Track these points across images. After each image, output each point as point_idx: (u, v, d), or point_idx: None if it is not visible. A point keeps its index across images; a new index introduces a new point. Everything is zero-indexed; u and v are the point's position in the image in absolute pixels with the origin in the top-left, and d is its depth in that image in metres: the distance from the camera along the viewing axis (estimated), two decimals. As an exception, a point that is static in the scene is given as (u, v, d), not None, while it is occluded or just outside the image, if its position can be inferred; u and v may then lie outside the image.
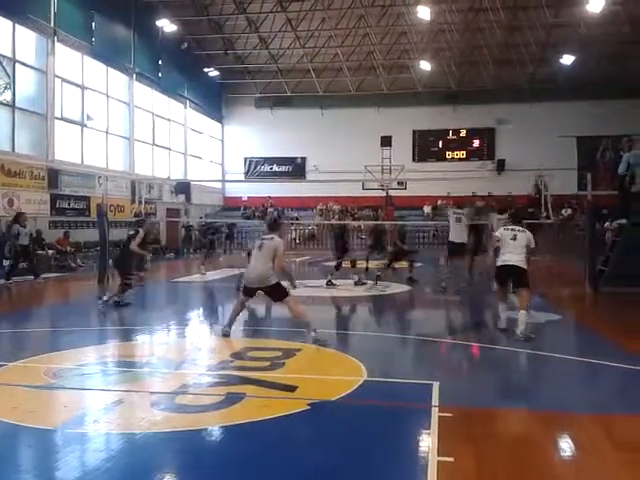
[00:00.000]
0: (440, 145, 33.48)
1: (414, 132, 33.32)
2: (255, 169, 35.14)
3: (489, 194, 25.31)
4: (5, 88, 18.68)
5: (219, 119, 35.49)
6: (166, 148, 29.50)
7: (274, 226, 8.57)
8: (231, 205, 34.54)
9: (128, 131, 25.74)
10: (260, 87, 34.84)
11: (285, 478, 3.86)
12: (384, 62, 32.68)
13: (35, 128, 20.12)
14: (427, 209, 31.40)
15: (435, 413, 4.83)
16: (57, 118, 20.84)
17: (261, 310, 11.75)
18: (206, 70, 32.88)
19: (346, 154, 31.25)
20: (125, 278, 10.71)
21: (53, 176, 20.14)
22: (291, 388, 5.59)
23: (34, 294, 14.17)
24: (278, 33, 31.25)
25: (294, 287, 8.46)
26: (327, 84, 33.95)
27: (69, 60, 21.66)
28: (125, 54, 25.18)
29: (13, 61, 18.89)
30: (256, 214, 30.90)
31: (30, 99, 19.97)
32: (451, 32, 29.63)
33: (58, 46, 20.76)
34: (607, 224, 19.07)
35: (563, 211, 28.44)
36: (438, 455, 4.01)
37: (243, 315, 11.20)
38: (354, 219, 23.39)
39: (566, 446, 4.46)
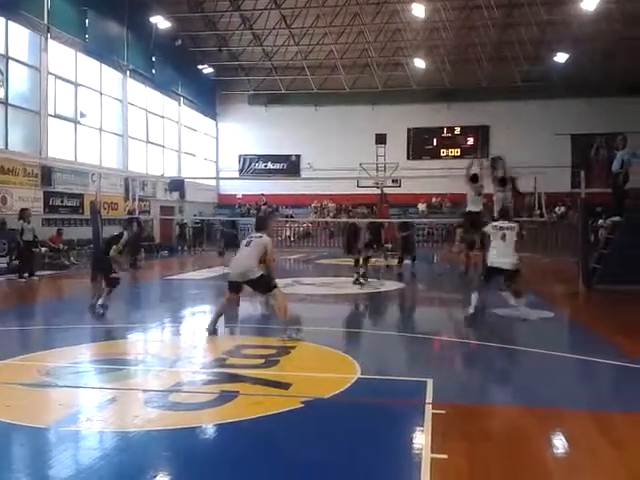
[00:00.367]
0: (434, 143, 33.51)
1: (409, 130, 33.33)
2: (249, 166, 35.10)
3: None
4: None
5: (213, 116, 35.41)
6: (160, 145, 29.41)
7: (262, 224, 8.56)
8: (226, 203, 34.50)
9: (122, 128, 25.66)
10: (254, 84, 34.78)
11: (278, 476, 3.86)
12: (379, 60, 32.68)
13: (28, 125, 20.03)
14: (422, 207, 31.48)
15: (429, 410, 4.83)
16: (50, 115, 20.75)
17: (255, 307, 11.75)
18: (200, 67, 32.81)
19: (341, 152, 31.26)
20: (107, 277, 9.64)
21: (46, 173, 20.05)
22: (285, 386, 5.59)
23: (28, 292, 14.12)
24: (272, 30, 31.19)
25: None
26: (321, 81, 33.93)
27: (62, 57, 21.56)
28: (119, 51, 25.08)
29: (6, 58, 18.78)
30: (251, 212, 30.89)
31: (23, 96, 19.88)
32: (445, 30, 29.64)
33: (51, 43, 20.66)
34: (601, 221, 19.15)
35: (557, 209, 28.53)
36: (431, 452, 4.02)
37: (239, 312, 11.23)
38: (349, 217, 23.38)
39: (559, 443, 4.47)
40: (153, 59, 28.04)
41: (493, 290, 10.21)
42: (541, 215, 14.84)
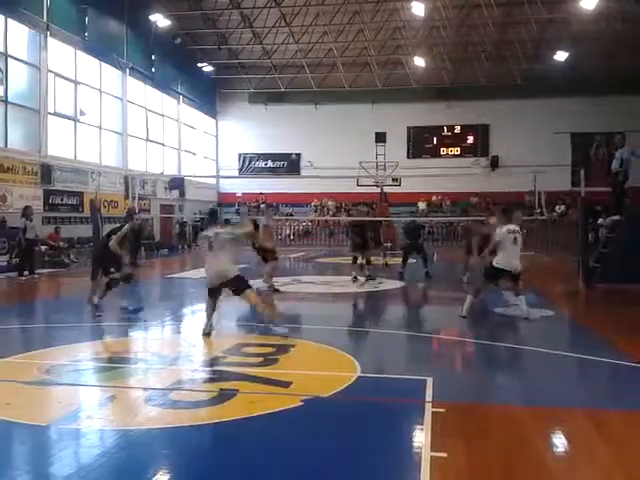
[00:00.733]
0: (434, 141, 33.52)
1: (408, 128, 33.33)
2: (249, 165, 35.09)
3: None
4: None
5: (213, 114, 35.40)
6: (160, 143, 29.40)
7: (214, 221, 8.46)
8: (226, 201, 34.49)
9: (121, 126, 25.65)
10: (254, 82, 34.75)
11: (278, 474, 3.87)
12: (378, 58, 32.67)
13: (28, 123, 20.02)
14: (422, 205, 31.49)
15: (428, 409, 4.84)
16: (50, 113, 20.74)
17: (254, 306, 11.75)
18: (200, 65, 32.80)
19: (340, 150, 31.24)
20: (107, 275, 9.61)
21: (46, 171, 20.04)
22: (285, 384, 5.60)
23: (28, 290, 14.12)
24: (272, 28, 31.18)
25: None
26: (321, 80, 33.91)
27: (62, 55, 21.55)
28: (118, 49, 25.07)
29: (5, 56, 18.78)
30: (250, 211, 30.89)
31: (23, 94, 19.86)
32: (445, 28, 29.64)
33: (51, 41, 20.65)
34: (600, 220, 19.14)
35: (557, 207, 28.56)
36: (431, 451, 4.02)
37: (237, 311, 11.24)
38: (348, 215, 23.41)
39: (559, 441, 4.48)
40: (153, 57, 28.03)
41: (494, 289, 10.22)
42: (541, 214, 14.84)
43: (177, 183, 29.04)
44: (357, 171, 27.12)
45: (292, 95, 34.17)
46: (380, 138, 30.03)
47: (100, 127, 24.08)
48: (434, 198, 32.25)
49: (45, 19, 20.23)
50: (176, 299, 12.87)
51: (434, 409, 4.81)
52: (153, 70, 28.11)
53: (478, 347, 7.73)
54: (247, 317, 10.30)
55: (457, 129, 33.30)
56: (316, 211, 32.92)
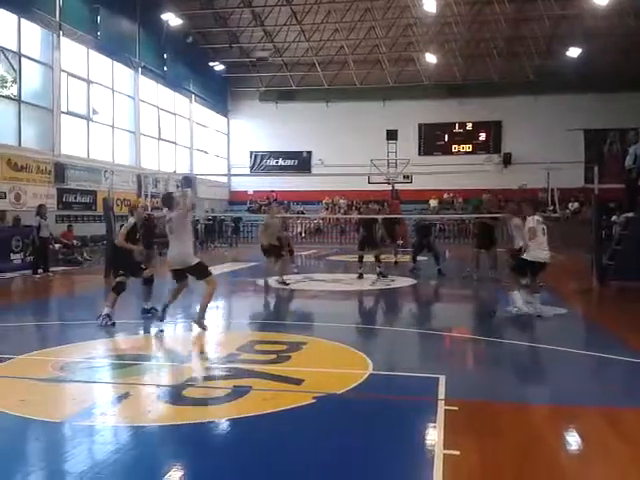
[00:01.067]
0: (446, 139, 33.37)
1: (420, 125, 33.21)
2: (261, 163, 35.13)
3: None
4: (11, 82, 18.73)
5: (224, 113, 35.47)
6: (172, 142, 29.52)
7: (167, 202, 8.39)
8: (237, 199, 34.56)
9: (134, 125, 25.77)
10: (265, 81, 34.78)
11: (291, 471, 3.88)
12: (390, 55, 32.57)
13: (41, 122, 20.17)
14: (433, 203, 31.38)
15: (441, 406, 4.83)
16: (63, 112, 20.88)
17: (267, 303, 11.78)
18: (211, 64, 32.85)
19: (351, 148, 31.22)
20: (116, 276, 9.24)
21: (59, 170, 20.19)
22: (297, 381, 5.61)
23: (42, 287, 14.23)
24: (283, 26, 31.18)
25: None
26: (332, 77, 33.87)
27: (75, 54, 21.69)
28: (130, 48, 25.18)
29: (19, 55, 18.92)
30: (262, 208, 30.91)
31: (36, 93, 20.01)
32: (457, 24, 29.50)
33: (64, 40, 20.78)
34: (614, 217, 19.00)
35: (570, 205, 28.36)
36: (444, 448, 4.02)
37: (250, 308, 11.28)
38: (359, 213, 23.36)
39: (573, 440, 4.46)
40: (165, 56, 28.13)
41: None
42: (554, 211, 14.72)
43: (189, 181, 29.05)
44: (368, 169, 27.10)
45: (303, 93, 34.16)
46: (391, 135, 29.97)
47: (113, 126, 24.21)
48: (445, 195, 32.12)
49: (58, 19, 20.36)
50: (188, 296, 12.90)
51: (447, 407, 4.80)
52: (165, 69, 28.21)
53: (490, 345, 7.70)
54: (259, 314, 10.33)
55: (469, 126, 33.13)
56: (327, 209, 32.91)
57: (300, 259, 22.35)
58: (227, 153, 35.88)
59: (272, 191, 33.12)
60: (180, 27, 28.33)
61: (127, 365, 6.46)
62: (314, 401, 5.03)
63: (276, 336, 7.98)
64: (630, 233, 12.56)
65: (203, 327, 8.11)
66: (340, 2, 29.17)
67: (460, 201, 31.69)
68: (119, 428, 4.58)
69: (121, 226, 9.74)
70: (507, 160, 31.83)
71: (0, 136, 18.20)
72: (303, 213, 31.51)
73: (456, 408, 4.78)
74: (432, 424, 4.52)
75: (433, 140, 33.35)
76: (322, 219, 31.10)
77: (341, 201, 32.81)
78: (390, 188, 27.67)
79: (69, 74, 21.32)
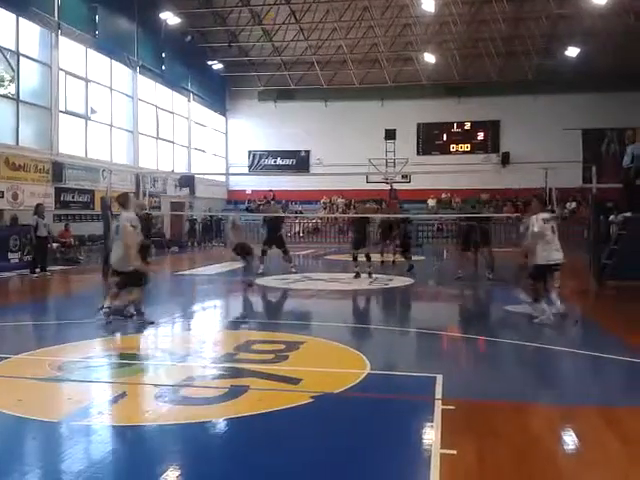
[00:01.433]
0: (444, 138, 33.35)
1: (418, 125, 33.19)
2: (259, 162, 35.11)
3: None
4: (9, 81, 18.70)
5: (223, 112, 35.44)
6: (170, 141, 29.49)
7: (123, 201, 8.21)
8: (235, 198, 34.55)
9: (132, 124, 25.74)
10: (264, 80, 34.76)
11: (288, 471, 3.88)
12: (388, 54, 32.56)
13: (39, 121, 20.14)
14: (431, 202, 31.39)
15: (438, 406, 4.84)
16: (61, 111, 20.85)
17: (265, 303, 11.79)
18: (210, 63, 32.82)
19: (350, 147, 31.21)
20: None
21: (57, 169, 20.17)
22: (295, 381, 5.61)
23: (40, 287, 14.22)
24: (282, 25, 31.15)
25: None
26: (331, 77, 33.86)
27: (73, 53, 21.66)
28: (129, 47, 25.15)
29: (17, 54, 18.89)
30: (260, 207, 30.88)
31: (34, 92, 19.98)
32: (455, 24, 29.49)
33: (62, 39, 20.75)
34: (612, 217, 19.00)
35: (568, 204, 28.37)
36: (441, 448, 4.02)
37: (248, 307, 11.28)
38: (356, 212, 23.39)
39: (569, 439, 4.46)
40: (163, 55, 28.10)
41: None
42: (552, 210, 14.73)
43: (187, 181, 29.11)
44: (367, 168, 27.11)
45: (302, 92, 34.15)
46: (390, 135, 29.96)
47: (111, 125, 24.18)
48: (444, 195, 32.13)
49: (56, 17, 20.33)
50: (186, 296, 12.92)
51: (444, 406, 4.81)
52: (163, 68, 28.19)
53: (488, 344, 7.71)
54: (257, 314, 10.34)
55: (467, 125, 33.12)
56: (325, 208, 32.91)
57: (298, 258, 22.35)
58: (225, 152, 35.84)
59: (270, 190, 33.11)
60: (178, 26, 28.30)
61: (124, 365, 6.46)
62: (312, 401, 5.04)
63: (274, 335, 7.99)
64: (628, 233, 12.56)
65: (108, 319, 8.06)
66: (339, 1, 29.15)
67: (458, 201, 31.67)
68: (116, 428, 4.58)
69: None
70: (505, 160, 31.85)
71: (-2, 135, 18.18)
72: (301, 212, 31.51)
73: (453, 407, 4.78)
74: (429, 423, 4.53)
75: (431, 140, 33.33)
76: (320, 219, 31.09)
77: (339, 200, 32.81)
78: (388, 188, 27.65)
79: (67, 73, 21.29)
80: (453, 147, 33.19)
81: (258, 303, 11.78)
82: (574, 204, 28.73)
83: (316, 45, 32.38)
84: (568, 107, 30.20)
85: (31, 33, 19.69)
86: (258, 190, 33.52)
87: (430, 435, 4.31)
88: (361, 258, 14.39)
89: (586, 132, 31.13)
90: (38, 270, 15.52)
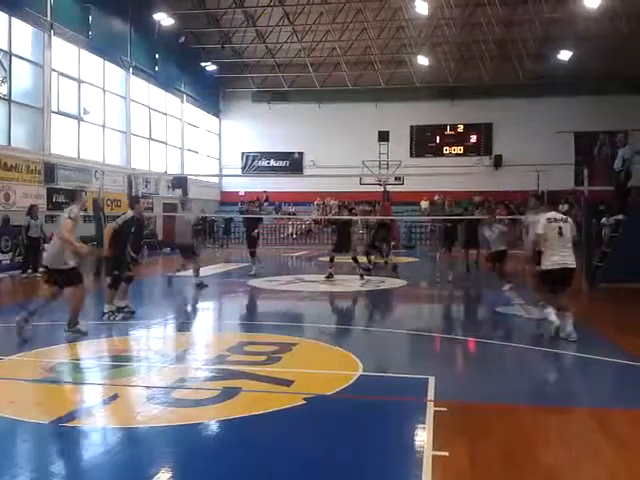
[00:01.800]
0: (437, 140, 33.43)
1: (412, 127, 33.25)
2: (252, 164, 35.08)
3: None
4: (1, 82, 18.61)
5: (216, 113, 35.40)
6: (163, 142, 29.42)
7: (73, 197, 7.97)
8: (228, 200, 34.50)
9: (125, 125, 25.66)
10: (257, 81, 34.74)
11: (280, 473, 3.88)
12: (382, 57, 32.61)
13: (31, 122, 20.04)
14: (424, 204, 31.43)
15: (430, 407, 4.85)
16: (53, 112, 20.75)
17: (258, 304, 11.78)
18: (203, 64, 32.77)
19: (343, 149, 31.24)
20: (109, 274, 9.31)
21: (49, 170, 20.07)
22: (287, 382, 5.60)
23: (31, 288, 14.14)
24: (275, 27, 31.16)
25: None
26: (324, 79, 33.88)
27: (65, 53, 21.56)
28: (122, 48, 25.07)
29: (9, 54, 18.78)
30: (253, 208, 30.83)
31: (26, 93, 19.88)
32: (449, 27, 29.57)
33: (54, 39, 20.66)
34: (604, 220, 19.10)
35: (560, 207, 28.45)
36: (433, 449, 4.03)
37: (240, 309, 11.26)
38: (350, 214, 23.39)
39: (561, 441, 4.48)
40: (156, 56, 28.02)
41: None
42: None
43: (180, 182, 29.03)
44: (360, 170, 27.13)
45: (295, 94, 34.16)
46: (383, 137, 30.01)
47: (103, 126, 24.10)
48: (436, 197, 32.17)
49: (49, 18, 20.24)
50: (178, 297, 12.89)
51: (436, 408, 4.82)
52: (156, 69, 28.11)
53: (480, 346, 7.72)
54: (250, 315, 10.32)
55: (460, 128, 33.21)
56: (318, 210, 32.89)
57: (291, 260, 22.38)
58: (219, 154, 35.79)
59: (264, 191, 33.11)
60: (172, 27, 28.23)
61: (116, 366, 6.44)
62: (304, 402, 5.04)
63: (266, 337, 7.98)
64: (620, 235, 12.64)
65: (80, 333, 7.64)
66: (332, 3, 29.18)
67: (450, 203, 31.67)
68: (108, 430, 4.56)
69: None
70: (498, 162, 31.94)
71: (-11, 135, 18.10)
72: (294, 214, 31.50)
73: (445, 409, 4.79)
74: (421, 425, 4.53)
75: (424, 142, 33.39)
76: (313, 220, 31.07)
77: (332, 202, 32.80)
78: (382, 190, 27.69)
79: (60, 74, 21.19)
80: (446, 149, 33.26)
81: (251, 304, 11.76)
82: (566, 206, 28.84)
83: (310, 47, 32.39)
84: (560, 110, 30.34)
85: (23, 33, 19.59)
86: (251, 192, 33.49)
87: (422, 437, 4.32)
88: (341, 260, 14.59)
89: (578, 135, 31.26)
90: (30, 271, 15.45)
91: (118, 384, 5.70)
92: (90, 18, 22.55)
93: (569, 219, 7.54)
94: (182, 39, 29.99)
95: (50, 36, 20.38)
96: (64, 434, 4.47)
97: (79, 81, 22.38)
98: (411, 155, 32.66)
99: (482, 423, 4.71)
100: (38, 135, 20.16)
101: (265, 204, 32.66)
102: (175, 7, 28.06)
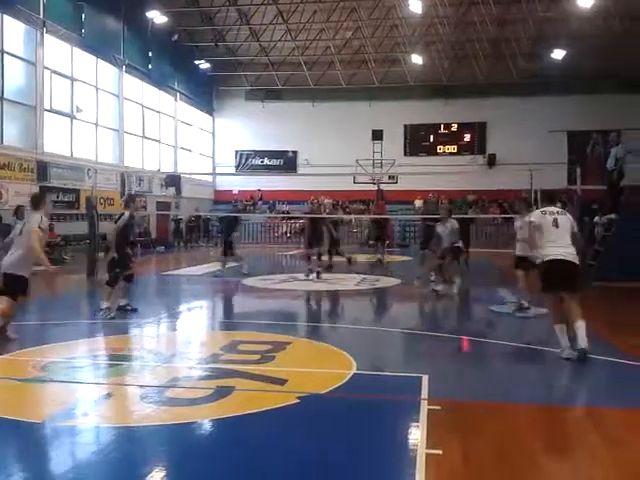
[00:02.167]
0: (431, 139, 33.45)
1: (405, 126, 33.26)
2: (246, 162, 35.01)
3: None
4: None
5: (210, 111, 35.32)
6: (156, 140, 29.34)
7: (34, 200, 7.84)
8: (222, 199, 34.43)
9: (118, 123, 25.57)
10: (251, 80, 34.69)
11: (274, 472, 3.87)
12: (376, 56, 32.62)
13: (24, 120, 19.96)
14: (418, 203, 31.46)
15: (424, 406, 4.85)
16: (46, 110, 20.66)
17: (251, 303, 11.76)
18: (197, 62, 32.69)
19: (337, 148, 31.22)
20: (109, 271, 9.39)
21: (42, 168, 19.99)
22: (281, 381, 5.60)
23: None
24: (269, 25, 31.11)
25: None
26: (318, 77, 33.86)
27: (58, 51, 21.47)
28: (115, 46, 24.98)
29: (1, 52, 18.70)
30: (247, 208, 30.81)
31: (19, 91, 19.79)
32: (443, 25, 29.61)
33: (47, 37, 20.56)
34: (597, 219, 19.18)
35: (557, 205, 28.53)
36: (426, 448, 4.03)
37: (234, 308, 11.25)
38: (345, 213, 23.45)
39: (555, 439, 4.49)
40: (149, 54, 27.93)
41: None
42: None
43: (173, 180, 28.99)
44: (354, 169, 27.15)
45: (289, 92, 34.12)
46: (377, 136, 30.04)
47: (96, 124, 24.00)
48: (430, 196, 32.22)
49: (41, 15, 20.14)
50: (172, 296, 12.86)
51: (430, 406, 4.82)
52: (150, 67, 28.02)
53: (474, 344, 7.74)
54: (243, 314, 10.31)
55: (454, 127, 33.25)
56: (312, 209, 32.83)
57: (285, 259, 22.37)
58: (212, 152, 35.72)
59: (258, 190, 33.09)
60: (165, 25, 28.14)
61: (109, 365, 6.42)
62: (298, 401, 5.03)
63: (260, 336, 7.96)
64: (612, 234, 12.70)
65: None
66: (326, 1, 29.15)
67: (445, 202, 31.73)
68: (101, 429, 4.55)
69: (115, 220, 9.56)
70: (492, 161, 32.01)
71: (-18, 134, 18.01)
72: (288, 213, 31.47)
73: (439, 407, 4.80)
74: (415, 423, 4.54)
75: (418, 141, 33.42)
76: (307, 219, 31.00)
77: (325, 201, 32.77)
78: (375, 188, 27.71)
79: (52, 71, 21.09)
80: (440, 148, 33.29)
81: (244, 303, 11.75)
82: (559, 205, 28.92)
83: (304, 45, 32.37)
84: (554, 109, 30.42)
85: (16, 31, 19.49)
86: (245, 190, 33.45)
87: (416, 435, 4.32)
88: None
89: (571, 134, 31.33)
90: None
91: (111, 383, 5.69)
92: (83, 16, 22.46)
93: (567, 214, 7.17)
94: (175, 37, 29.89)
95: (43, 34, 20.29)
96: (56, 433, 4.45)
97: (72, 79, 22.29)
98: (405, 154, 32.67)
99: (475, 421, 4.72)
100: (31, 133, 20.07)
101: (259, 202, 32.70)
102: (168, 5, 27.96)
